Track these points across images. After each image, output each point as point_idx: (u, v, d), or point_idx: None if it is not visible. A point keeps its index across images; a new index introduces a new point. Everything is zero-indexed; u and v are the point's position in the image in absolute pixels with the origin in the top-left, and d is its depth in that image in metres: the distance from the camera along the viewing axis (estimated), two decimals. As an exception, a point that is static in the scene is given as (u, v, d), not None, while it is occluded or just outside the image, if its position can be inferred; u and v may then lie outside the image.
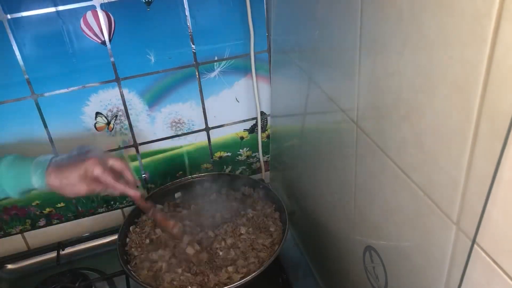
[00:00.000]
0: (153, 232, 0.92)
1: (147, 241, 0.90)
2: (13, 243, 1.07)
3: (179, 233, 0.87)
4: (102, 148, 0.78)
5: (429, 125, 0.43)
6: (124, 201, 1.10)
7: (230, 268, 0.81)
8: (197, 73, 0.99)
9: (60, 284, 0.95)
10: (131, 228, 0.93)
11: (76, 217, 1.08)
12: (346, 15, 0.56)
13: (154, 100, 0.99)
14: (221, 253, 0.85)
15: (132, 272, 0.82)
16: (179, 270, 0.82)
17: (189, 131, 1.06)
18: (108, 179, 0.74)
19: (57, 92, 0.91)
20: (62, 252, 1.03)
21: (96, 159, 0.73)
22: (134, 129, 1.01)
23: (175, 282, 0.80)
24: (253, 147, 1.14)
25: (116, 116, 0.98)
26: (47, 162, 0.73)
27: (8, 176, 0.71)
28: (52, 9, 0.84)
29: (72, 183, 0.71)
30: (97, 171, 0.72)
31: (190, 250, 0.85)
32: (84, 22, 0.86)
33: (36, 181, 0.71)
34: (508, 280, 0.36)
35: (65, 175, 0.71)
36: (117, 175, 0.77)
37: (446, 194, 0.42)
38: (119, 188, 0.76)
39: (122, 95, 0.96)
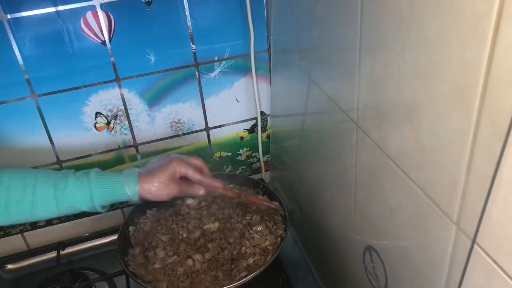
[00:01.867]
0: (155, 231, 0.92)
1: (148, 241, 0.90)
2: (13, 243, 1.07)
3: (276, 206, 0.91)
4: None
5: (429, 125, 0.43)
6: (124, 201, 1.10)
7: (230, 268, 0.82)
8: (197, 73, 0.99)
9: (60, 284, 0.95)
10: (130, 229, 0.93)
11: (76, 217, 1.08)
12: (346, 15, 0.56)
13: (154, 100, 0.99)
14: (221, 252, 0.85)
15: (132, 272, 0.82)
16: (180, 270, 0.82)
17: (189, 131, 1.06)
18: (196, 175, 0.77)
19: (57, 92, 0.91)
20: (62, 252, 1.03)
21: (180, 158, 0.77)
22: (134, 129, 1.01)
23: (175, 282, 0.80)
24: (253, 147, 1.14)
25: (116, 116, 0.98)
26: (137, 172, 0.75)
27: (100, 187, 0.72)
28: (52, 9, 0.84)
29: (164, 186, 0.74)
30: (184, 169, 0.76)
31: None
32: (84, 22, 0.86)
33: (130, 189, 0.72)
34: (508, 280, 0.36)
35: (156, 179, 0.73)
36: (199, 171, 0.80)
37: (446, 194, 0.42)
38: (206, 181, 0.79)
39: (122, 95, 0.96)
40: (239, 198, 0.89)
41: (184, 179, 0.77)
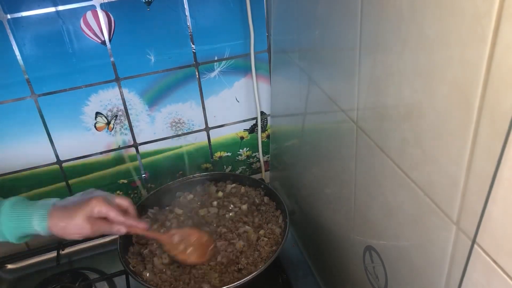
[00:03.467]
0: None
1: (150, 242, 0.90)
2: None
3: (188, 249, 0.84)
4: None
5: (429, 125, 0.43)
6: (124, 201, 1.10)
7: (230, 268, 0.82)
8: (197, 73, 0.99)
9: (60, 284, 0.95)
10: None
11: (76, 217, 1.08)
12: (346, 15, 0.56)
13: (154, 100, 0.99)
14: (221, 252, 0.85)
15: (133, 270, 0.82)
16: (180, 269, 0.82)
17: (189, 131, 1.06)
18: (117, 216, 0.73)
19: (57, 92, 0.91)
20: (62, 252, 1.03)
21: (101, 198, 0.72)
22: (134, 129, 1.01)
23: (175, 281, 0.80)
24: (253, 147, 1.14)
25: (116, 116, 0.98)
26: (50, 205, 0.71)
27: (8, 219, 0.69)
28: (52, 9, 0.84)
29: (76, 224, 0.69)
30: (105, 209, 0.71)
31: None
32: (84, 22, 0.86)
33: (38, 223, 0.69)
34: (508, 280, 0.36)
35: (68, 215, 0.69)
36: (123, 212, 0.76)
37: (446, 194, 0.42)
38: (127, 222, 0.75)
39: (122, 95, 0.96)
40: (161, 239, 0.83)
41: (105, 218, 0.73)
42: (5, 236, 0.69)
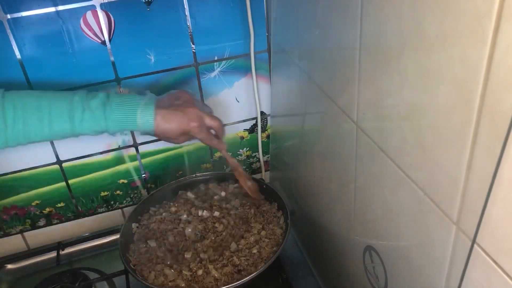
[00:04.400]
0: (157, 230, 0.92)
1: (151, 241, 0.90)
2: (13, 243, 1.07)
3: (255, 192, 0.95)
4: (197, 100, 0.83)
5: (429, 125, 0.43)
6: (124, 201, 1.10)
7: (230, 267, 0.82)
8: (197, 73, 0.99)
9: (60, 284, 0.95)
10: (133, 225, 0.93)
11: (76, 217, 1.08)
12: (346, 15, 0.56)
13: (154, 100, 0.99)
14: (221, 252, 0.85)
15: (133, 269, 0.82)
16: (180, 269, 0.82)
17: (189, 131, 1.06)
18: (212, 142, 0.82)
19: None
20: (62, 252, 1.03)
21: (196, 117, 0.77)
22: (134, 129, 1.01)
23: (175, 281, 0.80)
24: (253, 147, 1.14)
25: (116, 116, 0.98)
26: (153, 102, 0.75)
27: (115, 118, 0.72)
28: (52, 9, 0.84)
29: (175, 134, 0.76)
30: (200, 136, 0.79)
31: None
32: (84, 22, 0.86)
33: (143, 121, 0.73)
34: (508, 280, 0.36)
35: (170, 126, 0.75)
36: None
37: (446, 194, 0.42)
38: (214, 143, 0.82)
39: (122, 95, 0.96)
40: (233, 167, 0.92)
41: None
42: (109, 132, 0.74)
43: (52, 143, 0.96)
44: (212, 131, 0.83)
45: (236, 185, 1.01)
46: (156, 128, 0.74)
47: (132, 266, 0.84)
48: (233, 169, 0.93)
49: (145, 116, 0.73)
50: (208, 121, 0.80)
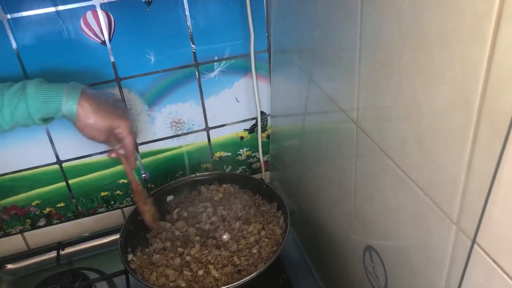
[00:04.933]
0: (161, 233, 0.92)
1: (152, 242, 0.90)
2: (13, 243, 1.07)
3: (151, 220, 0.91)
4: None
5: (429, 125, 0.43)
6: (124, 201, 1.10)
7: (230, 267, 0.82)
8: (197, 73, 0.99)
9: (60, 284, 0.95)
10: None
11: (76, 217, 1.08)
12: (346, 15, 0.56)
13: (154, 100, 0.99)
14: (222, 252, 0.85)
15: (133, 269, 0.82)
16: (180, 269, 0.82)
17: (189, 131, 1.06)
18: (130, 147, 0.78)
19: (57, 92, 0.91)
20: (62, 252, 1.03)
21: (128, 124, 0.75)
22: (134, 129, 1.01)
23: (176, 281, 0.80)
24: (253, 147, 1.14)
25: (116, 116, 0.98)
26: (79, 89, 0.70)
27: (37, 97, 0.67)
28: (52, 9, 0.84)
29: (100, 129, 0.71)
30: (128, 138, 0.75)
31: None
32: (84, 22, 0.86)
33: (68, 105, 0.67)
34: (508, 280, 0.36)
35: (98, 116, 0.70)
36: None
37: (446, 194, 0.42)
38: (132, 157, 0.80)
39: (122, 95, 0.96)
40: (133, 186, 0.89)
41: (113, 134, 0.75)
42: (31, 115, 0.67)
43: (52, 143, 0.96)
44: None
45: (235, 185, 1.01)
46: (79, 113, 0.68)
47: (132, 267, 0.84)
48: (134, 191, 0.90)
49: (71, 96, 0.68)
50: (133, 135, 0.78)
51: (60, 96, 0.68)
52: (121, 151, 0.80)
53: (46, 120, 0.71)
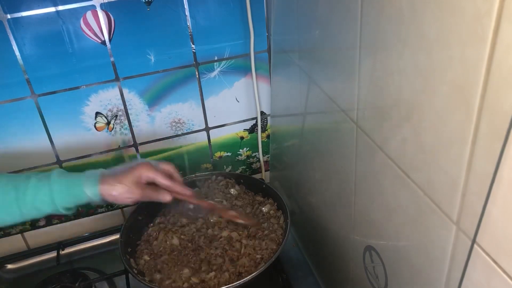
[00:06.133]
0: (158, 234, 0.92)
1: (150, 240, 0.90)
2: (13, 243, 1.07)
3: (241, 216, 0.89)
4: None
5: (429, 125, 0.43)
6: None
7: (230, 267, 0.82)
8: (197, 73, 0.99)
9: (60, 284, 0.95)
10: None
11: (76, 217, 1.08)
12: (346, 15, 0.56)
13: (154, 100, 0.99)
14: (221, 252, 0.85)
15: (133, 270, 0.82)
16: (181, 269, 0.82)
17: (189, 131, 1.06)
18: (164, 181, 0.75)
19: (57, 92, 0.91)
20: (62, 252, 1.03)
21: (148, 163, 0.75)
22: (134, 129, 1.01)
23: (175, 281, 0.80)
24: (253, 147, 1.14)
25: (116, 116, 0.98)
26: (99, 173, 0.73)
27: (60, 187, 0.70)
28: (52, 9, 0.84)
29: (127, 190, 0.71)
30: (152, 174, 0.74)
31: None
32: (84, 22, 0.86)
33: (90, 190, 0.70)
34: (508, 280, 0.36)
35: (120, 182, 0.71)
36: (169, 178, 0.78)
37: (446, 194, 0.42)
38: (174, 188, 0.77)
39: (122, 95, 0.96)
40: (210, 208, 0.87)
41: (152, 184, 0.75)
42: (56, 206, 0.70)
43: (52, 143, 0.96)
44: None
45: (237, 187, 1.00)
46: (102, 190, 0.70)
47: (132, 266, 0.84)
48: (213, 211, 0.88)
49: (90, 180, 0.71)
50: (162, 166, 0.77)
51: (81, 180, 0.70)
52: (166, 196, 0.77)
53: (69, 208, 0.72)
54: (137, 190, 0.72)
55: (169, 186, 0.76)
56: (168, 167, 0.79)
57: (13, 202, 0.68)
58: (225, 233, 0.89)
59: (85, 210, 1.08)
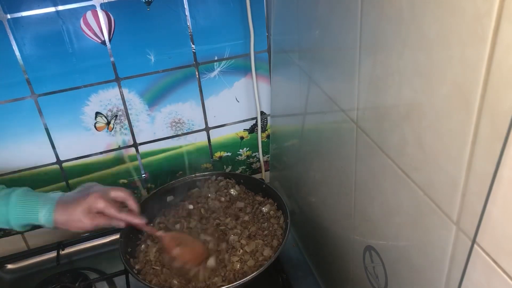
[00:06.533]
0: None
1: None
2: (13, 243, 1.07)
3: (180, 255, 0.83)
4: (103, 185, 0.80)
5: (429, 125, 0.43)
6: (124, 201, 1.10)
7: (230, 267, 0.82)
8: (197, 73, 0.99)
9: (60, 284, 0.95)
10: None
11: (76, 217, 1.08)
12: (346, 15, 0.56)
13: (154, 100, 0.99)
14: (221, 252, 0.85)
15: (133, 269, 0.82)
16: (180, 269, 0.82)
17: (189, 131, 1.06)
18: (111, 211, 0.76)
19: (57, 92, 0.91)
20: (62, 252, 1.03)
21: (99, 193, 0.76)
22: (134, 129, 1.01)
23: (176, 281, 0.80)
24: (253, 147, 1.14)
25: (116, 116, 0.98)
26: (55, 199, 0.75)
27: (16, 210, 0.73)
28: (52, 9, 0.84)
29: (77, 219, 0.74)
30: (100, 204, 0.75)
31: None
32: (84, 22, 0.86)
33: (44, 217, 0.73)
34: (508, 280, 0.36)
35: (70, 211, 0.74)
36: (120, 205, 0.80)
37: (446, 194, 0.42)
38: (123, 217, 0.78)
39: (122, 95, 0.96)
40: (157, 236, 0.85)
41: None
42: (9, 223, 0.74)
43: (52, 143, 0.96)
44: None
45: (237, 187, 1.00)
46: (54, 218, 0.73)
47: (132, 266, 0.84)
48: (161, 242, 0.84)
49: (46, 206, 0.74)
50: (112, 193, 0.78)
51: (37, 207, 0.74)
52: (120, 223, 0.79)
53: (25, 226, 0.76)
54: (87, 220, 0.74)
55: (118, 217, 0.78)
56: (121, 194, 0.80)
57: None
58: (225, 229, 0.89)
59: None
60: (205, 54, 0.97)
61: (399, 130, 0.48)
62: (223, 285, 0.77)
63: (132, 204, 0.81)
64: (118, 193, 0.79)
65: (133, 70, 0.94)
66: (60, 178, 1.01)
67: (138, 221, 0.81)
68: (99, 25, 0.87)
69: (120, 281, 0.94)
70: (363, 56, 0.54)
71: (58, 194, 0.77)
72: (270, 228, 0.89)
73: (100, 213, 0.76)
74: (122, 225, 0.79)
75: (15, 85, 0.88)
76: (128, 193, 0.81)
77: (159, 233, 0.84)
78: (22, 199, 0.74)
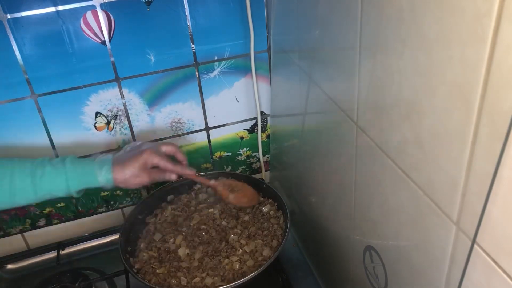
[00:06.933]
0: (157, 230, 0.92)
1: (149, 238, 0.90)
2: (13, 243, 1.07)
3: (237, 200, 0.92)
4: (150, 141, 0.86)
5: (429, 125, 0.43)
6: (124, 201, 1.10)
7: (229, 267, 0.82)
8: (197, 73, 0.99)
9: (60, 284, 0.95)
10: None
11: (76, 217, 1.08)
12: (346, 15, 0.56)
13: (154, 100, 0.99)
14: (222, 252, 0.85)
15: (134, 269, 0.82)
16: (180, 269, 0.82)
17: (189, 131, 1.06)
18: (167, 165, 0.81)
19: (57, 92, 0.91)
20: (62, 252, 1.03)
21: (152, 149, 0.81)
22: (134, 129, 1.01)
23: (176, 281, 0.80)
24: (253, 147, 1.14)
25: (116, 116, 0.98)
26: (111, 159, 0.79)
27: (75, 176, 0.76)
28: (52, 9, 0.84)
29: (136, 175, 0.78)
30: (155, 159, 0.80)
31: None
32: (84, 22, 0.86)
33: (104, 177, 0.77)
34: (508, 280, 0.36)
35: (128, 169, 0.78)
36: (171, 159, 0.84)
37: (446, 194, 0.42)
38: (177, 170, 0.83)
39: (122, 95, 0.96)
40: (211, 186, 0.92)
41: (157, 167, 0.81)
42: (69, 190, 0.76)
43: (52, 143, 0.96)
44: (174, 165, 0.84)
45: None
46: (115, 177, 0.77)
47: (132, 266, 0.84)
48: (215, 191, 0.93)
49: (103, 166, 0.77)
50: (163, 147, 0.84)
51: (94, 169, 0.77)
52: (172, 176, 0.83)
53: (80, 191, 0.79)
54: (144, 174, 0.79)
55: (171, 169, 0.82)
56: (171, 148, 0.85)
57: (30, 188, 0.74)
58: (225, 229, 0.89)
59: (85, 210, 1.08)
60: (205, 54, 0.97)
61: (399, 130, 0.48)
62: (222, 285, 0.77)
63: (181, 156, 0.86)
64: (168, 147, 0.85)
65: (133, 70, 0.94)
66: (60, 178, 1.01)
67: (189, 172, 0.87)
68: (99, 25, 0.87)
69: (120, 281, 0.94)
70: (363, 56, 0.54)
71: (109, 156, 0.81)
72: (270, 228, 0.89)
73: (155, 167, 0.80)
74: (174, 177, 0.83)
75: (15, 85, 0.88)
76: (176, 147, 0.86)
77: (211, 182, 0.91)
78: (78, 165, 0.77)
